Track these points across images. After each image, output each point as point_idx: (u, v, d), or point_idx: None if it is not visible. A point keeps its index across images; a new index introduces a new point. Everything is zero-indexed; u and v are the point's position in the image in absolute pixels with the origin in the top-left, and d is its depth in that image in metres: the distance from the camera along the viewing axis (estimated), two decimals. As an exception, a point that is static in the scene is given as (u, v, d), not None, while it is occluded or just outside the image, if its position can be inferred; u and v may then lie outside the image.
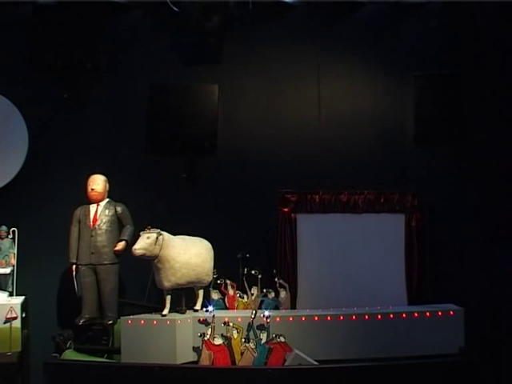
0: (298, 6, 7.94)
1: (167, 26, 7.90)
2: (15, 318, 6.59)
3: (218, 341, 6.28)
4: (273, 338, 6.31)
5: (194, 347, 6.41)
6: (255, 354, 6.24)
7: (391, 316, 6.63)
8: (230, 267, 7.10)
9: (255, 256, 7.23)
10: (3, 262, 6.91)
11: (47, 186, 7.64)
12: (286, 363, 6.22)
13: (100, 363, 6.44)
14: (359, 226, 7.57)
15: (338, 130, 7.93)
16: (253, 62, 7.97)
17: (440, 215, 7.71)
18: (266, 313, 6.38)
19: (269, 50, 7.97)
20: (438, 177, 7.81)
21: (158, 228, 6.48)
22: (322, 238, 7.57)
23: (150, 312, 6.66)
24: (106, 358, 6.73)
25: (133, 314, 6.58)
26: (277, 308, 6.98)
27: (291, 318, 6.58)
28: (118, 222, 7.02)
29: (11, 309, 6.59)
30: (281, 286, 7.13)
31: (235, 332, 6.35)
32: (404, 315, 6.64)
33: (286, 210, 7.55)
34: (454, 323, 6.64)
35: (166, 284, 6.52)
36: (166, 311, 6.52)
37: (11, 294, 6.87)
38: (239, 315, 6.58)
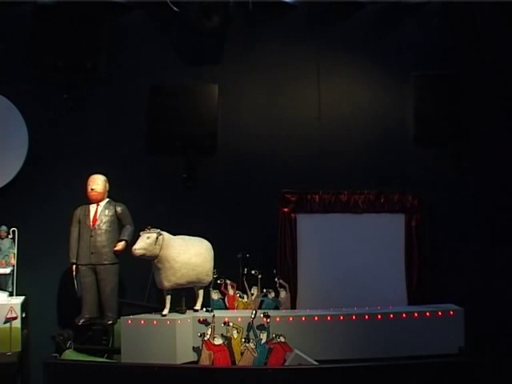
0: (297, 5, 7.92)
1: (167, 26, 7.90)
2: (15, 318, 6.59)
3: (218, 341, 6.29)
4: (273, 338, 6.32)
5: (194, 347, 6.41)
6: (255, 354, 6.25)
7: (391, 316, 6.62)
8: (230, 267, 7.09)
9: (255, 256, 7.22)
10: (3, 262, 6.91)
11: (47, 185, 7.64)
12: (286, 363, 6.22)
13: (100, 363, 6.44)
14: (359, 226, 7.57)
15: (338, 130, 7.92)
16: (253, 62, 7.96)
17: (440, 215, 7.71)
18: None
19: (269, 50, 7.96)
20: (438, 177, 7.81)
21: (158, 228, 6.48)
22: (322, 238, 7.57)
23: (150, 312, 6.67)
24: (106, 357, 6.73)
25: (133, 314, 6.58)
26: (277, 308, 6.98)
27: (291, 318, 6.58)
28: (117, 222, 7.02)
29: (11, 309, 6.59)
30: (281, 286, 7.12)
31: (235, 332, 6.35)
32: (404, 315, 6.63)
33: (285, 209, 7.55)
34: (454, 323, 6.63)
35: (166, 284, 6.52)
36: (166, 311, 6.53)
37: (11, 294, 6.87)
38: (239, 315, 6.58)
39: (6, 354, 6.47)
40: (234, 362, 6.27)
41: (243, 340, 6.30)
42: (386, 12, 7.95)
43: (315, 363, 6.23)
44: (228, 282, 7.05)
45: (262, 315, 6.43)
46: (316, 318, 6.58)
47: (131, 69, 7.89)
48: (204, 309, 6.71)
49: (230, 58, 7.95)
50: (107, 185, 7.12)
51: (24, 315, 6.74)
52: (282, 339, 6.29)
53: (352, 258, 7.49)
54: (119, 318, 6.65)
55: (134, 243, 6.46)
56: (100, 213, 6.98)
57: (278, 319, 6.50)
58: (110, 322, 6.83)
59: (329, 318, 6.59)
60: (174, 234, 6.66)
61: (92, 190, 6.99)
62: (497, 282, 7.52)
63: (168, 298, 6.57)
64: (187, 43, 7.93)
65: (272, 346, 6.28)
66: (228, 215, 7.73)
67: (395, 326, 6.57)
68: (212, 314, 6.45)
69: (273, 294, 7.04)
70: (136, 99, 7.84)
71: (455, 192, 7.77)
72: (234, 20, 7.76)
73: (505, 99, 7.79)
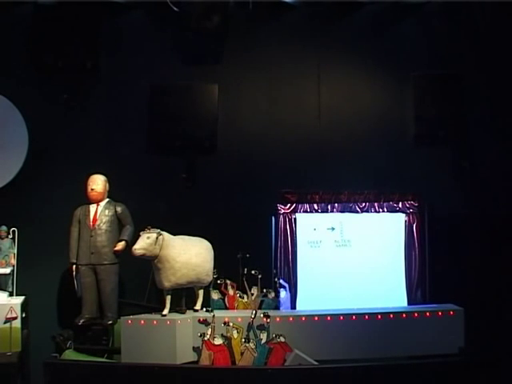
0: (297, 5, 7.92)
1: (167, 26, 7.90)
2: (15, 318, 6.59)
3: (218, 341, 6.30)
4: (273, 338, 6.32)
5: (194, 347, 6.42)
6: (255, 354, 6.25)
7: (391, 316, 6.63)
8: (229, 267, 7.09)
9: (255, 256, 7.22)
10: (3, 262, 6.91)
11: (47, 185, 7.63)
12: (286, 363, 6.23)
13: (100, 363, 6.44)
14: (359, 226, 7.57)
15: (338, 130, 7.93)
16: (253, 62, 7.96)
17: (440, 215, 7.70)
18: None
19: (269, 50, 7.96)
20: (438, 177, 7.81)
21: (158, 228, 6.49)
22: (321, 238, 7.57)
23: (150, 312, 6.67)
24: (106, 357, 6.73)
25: (133, 314, 6.59)
26: (277, 308, 6.98)
27: (291, 318, 6.59)
28: (117, 222, 7.02)
29: (11, 309, 6.59)
30: (281, 286, 7.13)
31: (235, 332, 6.36)
32: (404, 315, 6.64)
33: (286, 209, 7.56)
34: (454, 323, 6.64)
35: (166, 284, 6.52)
36: (166, 311, 6.53)
37: (11, 294, 6.87)
38: (239, 315, 6.59)
39: (6, 354, 6.47)
40: (234, 362, 6.28)
41: (243, 340, 6.31)
42: (386, 12, 7.95)
43: (315, 363, 6.23)
44: (228, 281, 7.05)
45: (262, 315, 6.43)
46: (316, 318, 6.58)
47: (131, 69, 7.89)
48: (204, 309, 6.71)
49: (230, 58, 7.94)
50: (107, 185, 7.12)
51: (24, 315, 6.73)
52: (282, 339, 6.29)
53: (352, 258, 7.50)
54: (119, 317, 6.65)
55: (134, 243, 6.47)
56: (100, 213, 6.98)
57: (278, 319, 6.51)
58: (110, 322, 6.83)
59: (329, 318, 6.59)
60: (174, 234, 6.66)
61: (92, 190, 6.99)
62: (497, 281, 7.52)
63: (168, 298, 6.57)
64: (187, 43, 7.92)
65: (272, 346, 6.28)
66: (228, 215, 7.72)
67: (395, 326, 6.58)
68: (212, 314, 6.46)
69: (273, 294, 7.04)
70: (136, 99, 7.84)
71: (455, 192, 7.77)
72: (233, 20, 7.76)
73: (504, 99, 7.79)
